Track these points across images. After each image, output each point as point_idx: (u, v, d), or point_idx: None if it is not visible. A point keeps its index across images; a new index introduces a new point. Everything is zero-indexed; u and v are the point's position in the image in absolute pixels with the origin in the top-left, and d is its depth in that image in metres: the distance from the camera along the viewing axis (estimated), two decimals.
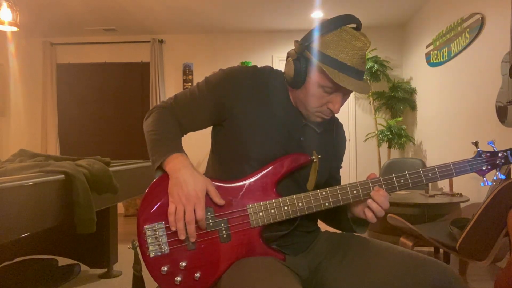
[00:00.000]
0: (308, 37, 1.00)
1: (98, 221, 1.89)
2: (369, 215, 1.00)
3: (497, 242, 1.86)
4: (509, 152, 1.01)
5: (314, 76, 1.00)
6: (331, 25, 0.98)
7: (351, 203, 1.04)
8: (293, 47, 1.05)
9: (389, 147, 4.67)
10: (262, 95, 1.07)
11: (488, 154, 1.02)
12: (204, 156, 4.36)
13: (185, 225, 0.95)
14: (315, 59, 0.98)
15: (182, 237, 0.95)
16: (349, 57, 0.97)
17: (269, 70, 1.12)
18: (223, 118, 1.07)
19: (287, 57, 1.06)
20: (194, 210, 0.94)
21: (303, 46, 1.00)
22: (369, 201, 0.99)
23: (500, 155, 1.01)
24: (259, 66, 1.12)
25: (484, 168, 1.01)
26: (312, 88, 1.01)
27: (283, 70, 1.11)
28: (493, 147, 1.03)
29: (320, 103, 1.03)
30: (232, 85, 1.06)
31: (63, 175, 1.76)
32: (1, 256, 2.46)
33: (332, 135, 1.17)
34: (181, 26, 5.07)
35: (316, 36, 0.99)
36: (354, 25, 1.02)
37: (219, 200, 0.98)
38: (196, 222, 0.95)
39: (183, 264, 0.96)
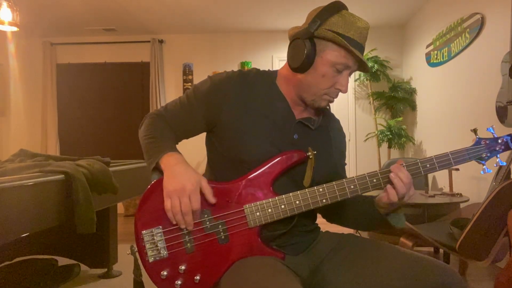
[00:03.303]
0: (316, 19, 1.00)
1: (98, 221, 1.89)
2: (391, 192, 0.97)
3: (497, 242, 1.86)
4: (509, 138, 1.00)
5: (327, 54, 1.00)
6: (332, 9, 1.00)
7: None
8: (292, 38, 1.04)
9: (389, 147, 4.67)
10: (250, 98, 1.07)
11: (487, 141, 1.01)
12: (203, 157, 4.34)
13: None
14: (331, 35, 0.97)
15: (182, 226, 0.96)
16: (358, 34, 1.00)
17: (255, 71, 1.12)
18: (213, 125, 1.08)
19: (293, 39, 1.03)
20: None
21: (315, 25, 0.99)
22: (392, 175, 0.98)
23: (499, 141, 1.00)
24: (244, 70, 1.11)
25: (483, 156, 1.00)
26: (324, 68, 1.01)
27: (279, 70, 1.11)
28: (492, 133, 1.02)
29: (330, 84, 1.03)
30: (218, 93, 1.06)
31: (63, 175, 1.76)
32: (1, 256, 2.46)
33: (327, 131, 1.16)
34: (181, 26, 5.06)
35: (323, 18, 0.99)
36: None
37: (211, 198, 0.97)
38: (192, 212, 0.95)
39: (183, 267, 0.96)
